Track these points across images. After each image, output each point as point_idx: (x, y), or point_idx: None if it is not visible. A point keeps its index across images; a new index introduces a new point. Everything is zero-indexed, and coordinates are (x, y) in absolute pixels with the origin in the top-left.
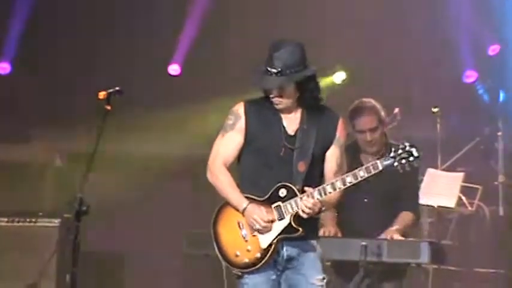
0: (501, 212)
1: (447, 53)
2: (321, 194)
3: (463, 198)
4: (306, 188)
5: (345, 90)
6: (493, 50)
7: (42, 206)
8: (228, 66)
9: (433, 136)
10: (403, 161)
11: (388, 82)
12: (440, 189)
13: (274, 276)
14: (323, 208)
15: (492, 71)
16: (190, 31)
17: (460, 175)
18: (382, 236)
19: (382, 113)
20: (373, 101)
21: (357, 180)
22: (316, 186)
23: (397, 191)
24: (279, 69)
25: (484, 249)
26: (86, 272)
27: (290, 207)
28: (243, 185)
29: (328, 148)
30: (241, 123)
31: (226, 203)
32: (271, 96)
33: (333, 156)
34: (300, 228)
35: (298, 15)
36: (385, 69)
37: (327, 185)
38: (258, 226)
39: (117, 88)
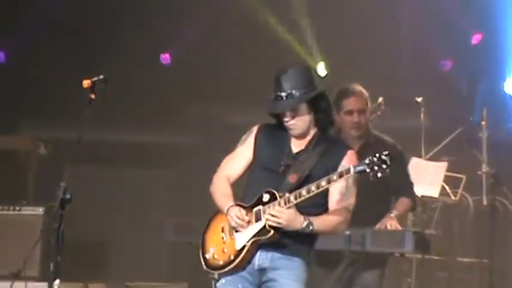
0: (484, 202)
1: (431, 42)
2: (296, 197)
3: (447, 187)
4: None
5: (326, 81)
6: (476, 38)
7: (26, 195)
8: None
9: (417, 125)
10: (376, 167)
11: (371, 72)
12: (424, 178)
13: None
14: (301, 224)
15: (474, 60)
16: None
17: (443, 164)
18: (379, 224)
19: (368, 101)
20: (360, 88)
21: (330, 184)
22: (317, 211)
23: (389, 180)
24: (288, 92)
25: (467, 239)
26: (69, 260)
27: (267, 210)
28: (242, 198)
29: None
30: (251, 138)
31: (218, 211)
32: (285, 120)
33: (336, 185)
34: (272, 231)
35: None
36: (368, 60)
37: (303, 189)
38: (233, 223)
39: (101, 76)
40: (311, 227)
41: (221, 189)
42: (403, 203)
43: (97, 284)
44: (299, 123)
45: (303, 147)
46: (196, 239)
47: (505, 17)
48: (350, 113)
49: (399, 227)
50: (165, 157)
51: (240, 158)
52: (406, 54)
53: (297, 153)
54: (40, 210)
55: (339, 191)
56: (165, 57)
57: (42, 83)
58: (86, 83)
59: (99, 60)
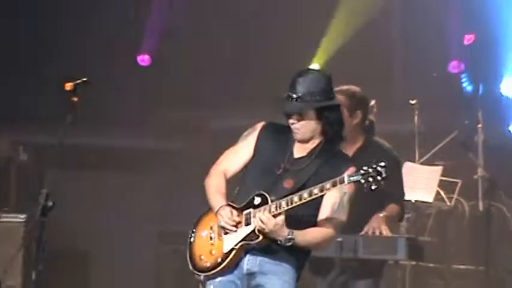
0: (480, 207)
1: (427, 45)
2: (287, 204)
3: (442, 192)
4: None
5: None
6: (468, 39)
7: (8, 202)
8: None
9: (410, 129)
10: (371, 179)
11: (365, 74)
12: (418, 183)
13: None
14: (284, 238)
15: (471, 62)
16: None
17: (438, 169)
18: (367, 225)
19: (358, 102)
20: (350, 88)
21: (323, 192)
22: (309, 223)
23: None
24: (299, 95)
25: (462, 246)
26: (51, 269)
27: (257, 214)
28: (236, 195)
29: None
30: (254, 136)
31: (209, 209)
32: (290, 122)
33: (329, 199)
34: (261, 236)
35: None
36: (362, 61)
37: (295, 195)
38: (222, 223)
39: (84, 79)
40: (291, 243)
41: (216, 185)
42: (392, 207)
43: None
44: (303, 128)
45: (304, 154)
46: (181, 248)
47: (499, 17)
48: None
49: (389, 233)
50: (148, 164)
51: (239, 154)
52: (399, 56)
53: (297, 158)
54: (21, 217)
55: (331, 205)
56: (143, 59)
57: (21, 86)
58: (69, 85)
59: (78, 62)
